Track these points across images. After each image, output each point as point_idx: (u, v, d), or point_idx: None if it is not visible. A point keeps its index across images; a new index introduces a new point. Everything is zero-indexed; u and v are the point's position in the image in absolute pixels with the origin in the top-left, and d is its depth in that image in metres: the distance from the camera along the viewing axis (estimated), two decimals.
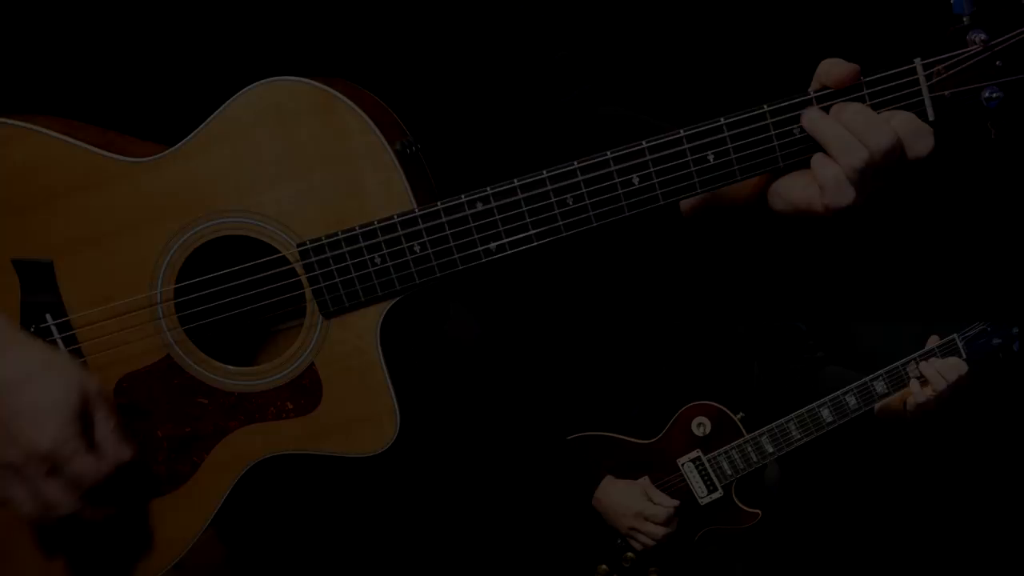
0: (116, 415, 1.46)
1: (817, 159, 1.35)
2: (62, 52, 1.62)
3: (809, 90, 1.39)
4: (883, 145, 1.30)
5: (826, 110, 1.35)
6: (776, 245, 2.69)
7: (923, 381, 2.51)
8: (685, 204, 1.54)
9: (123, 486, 1.48)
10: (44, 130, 1.51)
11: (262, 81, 1.47)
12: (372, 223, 1.48)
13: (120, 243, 1.53)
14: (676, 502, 2.59)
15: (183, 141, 1.50)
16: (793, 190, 1.41)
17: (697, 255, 2.66)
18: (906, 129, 1.31)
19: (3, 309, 1.52)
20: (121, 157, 1.51)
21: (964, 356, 2.53)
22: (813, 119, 1.35)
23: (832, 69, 1.34)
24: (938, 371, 2.47)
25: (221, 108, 1.48)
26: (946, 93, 1.32)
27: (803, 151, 1.38)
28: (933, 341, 2.56)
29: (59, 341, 1.55)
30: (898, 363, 2.55)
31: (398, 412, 1.56)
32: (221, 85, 1.48)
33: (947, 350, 2.53)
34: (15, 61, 1.61)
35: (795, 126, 1.37)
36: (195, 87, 1.59)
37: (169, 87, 1.64)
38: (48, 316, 1.55)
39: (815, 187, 1.37)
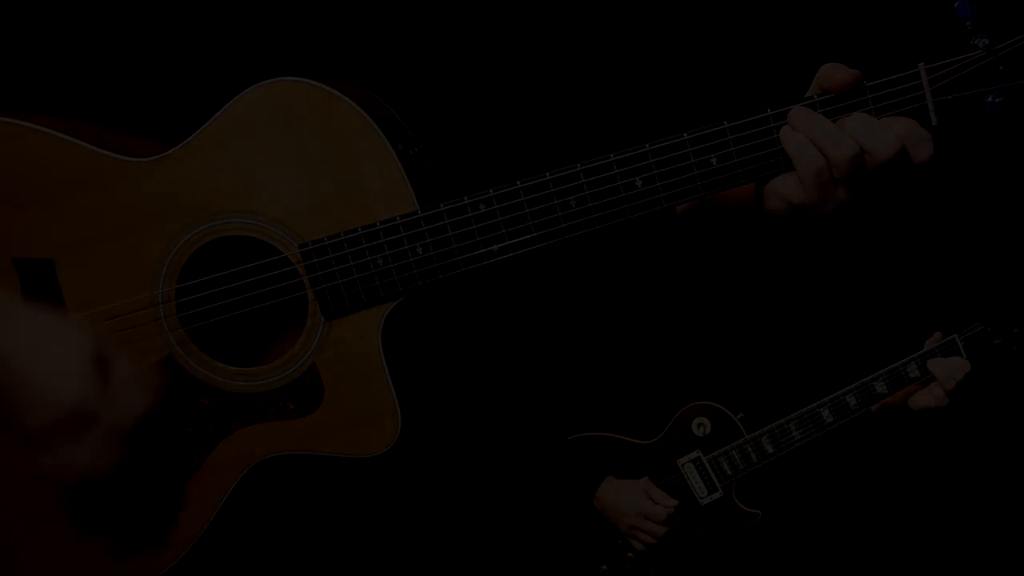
0: (132, 361, 1.38)
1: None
2: (62, 52, 1.62)
3: (808, 94, 1.39)
4: (886, 152, 1.30)
5: (828, 114, 1.35)
6: (774, 244, 2.69)
7: (930, 380, 2.50)
8: (680, 205, 1.54)
9: (159, 432, 1.44)
10: (45, 129, 1.50)
11: (265, 81, 1.47)
12: (374, 224, 1.48)
13: (121, 243, 1.53)
14: (676, 501, 2.58)
15: (185, 141, 1.50)
16: (788, 188, 1.40)
17: (697, 255, 2.66)
18: (907, 135, 1.31)
19: None
20: (122, 156, 1.51)
21: (964, 356, 2.52)
22: (801, 118, 1.35)
23: (833, 74, 1.34)
24: (946, 369, 2.47)
25: (223, 108, 1.48)
26: (949, 97, 1.32)
27: None
28: (932, 341, 2.56)
29: None
30: (898, 363, 2.55)
31: (400, 413, 1.56)
32: (223, 85, 1.48)
33: (947, 350, 2.52)
34: (15, 61, 1.61)
35: None
36: (197, 87, 1.60)
37: (170, 87, 1.64)
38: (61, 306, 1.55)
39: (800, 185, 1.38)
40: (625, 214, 1.43)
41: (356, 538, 1.99)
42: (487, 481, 2.43)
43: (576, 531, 2.63)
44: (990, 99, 1.30)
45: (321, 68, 1.53)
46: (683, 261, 2.64)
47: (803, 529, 2.84)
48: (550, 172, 1.44)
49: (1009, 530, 2.94)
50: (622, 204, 1.43)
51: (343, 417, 1.58)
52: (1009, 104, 1.30)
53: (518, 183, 1.44)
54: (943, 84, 1.32)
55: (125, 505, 1.59)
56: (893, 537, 2.97)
